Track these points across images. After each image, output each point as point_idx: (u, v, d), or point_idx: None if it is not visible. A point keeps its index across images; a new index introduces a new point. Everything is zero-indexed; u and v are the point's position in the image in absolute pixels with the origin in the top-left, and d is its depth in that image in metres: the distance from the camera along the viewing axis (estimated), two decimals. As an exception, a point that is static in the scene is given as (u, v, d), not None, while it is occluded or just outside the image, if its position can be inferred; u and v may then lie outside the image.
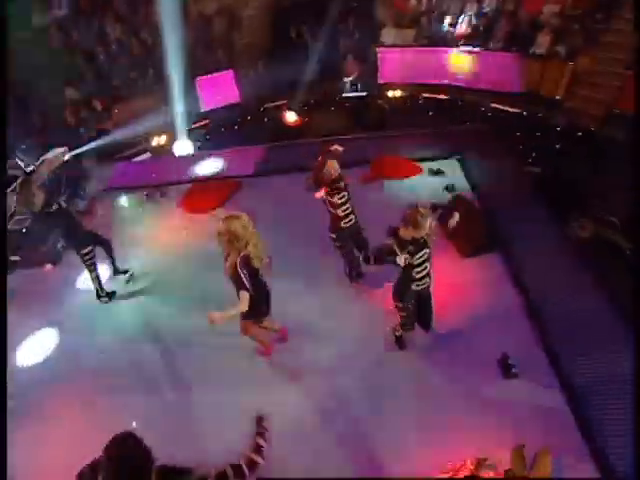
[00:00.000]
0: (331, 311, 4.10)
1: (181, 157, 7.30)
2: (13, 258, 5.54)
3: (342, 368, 3.61)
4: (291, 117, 7.48)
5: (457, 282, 4.10)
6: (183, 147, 7.48)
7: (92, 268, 4.51)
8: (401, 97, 7.76)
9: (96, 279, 4.58)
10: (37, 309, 4.83)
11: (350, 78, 8.32)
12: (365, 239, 4.08)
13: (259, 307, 3.20)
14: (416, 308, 3.34)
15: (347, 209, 3.78)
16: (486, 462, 2.60)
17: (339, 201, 3.69)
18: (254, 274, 3.01)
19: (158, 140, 8.05)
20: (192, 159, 7.01)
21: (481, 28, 7.53)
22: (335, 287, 4.29)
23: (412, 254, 2.92)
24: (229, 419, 3.26)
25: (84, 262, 4.45)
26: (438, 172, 5.41)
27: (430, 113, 7.42)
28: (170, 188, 6.45)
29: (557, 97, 6.81)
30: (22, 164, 6.04)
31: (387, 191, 5.35)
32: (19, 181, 5.65)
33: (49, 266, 5.56)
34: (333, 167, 3.57)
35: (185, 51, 7.72)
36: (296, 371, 3.67)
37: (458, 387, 3.34)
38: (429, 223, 2.83)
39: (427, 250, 2.99)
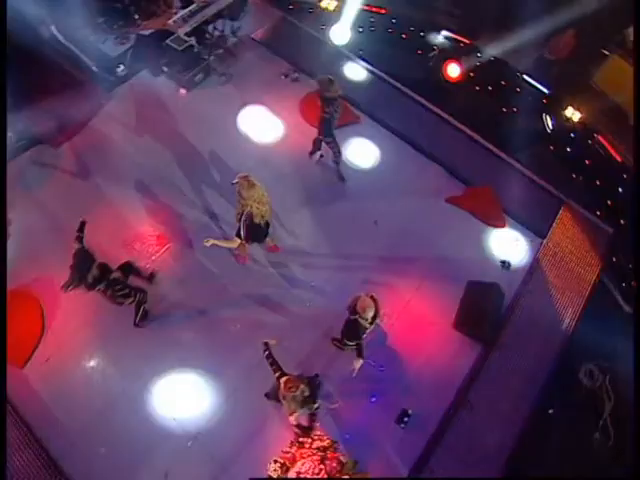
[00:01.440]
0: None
1: (330, 44, 6.99)
2: (163, 68, 6.56)
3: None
4: (454, 70, 6.62)
5: (430, 339, 4.81)
6: (340, 34, 7.06)
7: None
8: (578, 123, 6.42)
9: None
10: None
11: (551, 57, 6.74)
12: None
13: (254, 238, 4.44)
14: None
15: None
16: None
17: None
18: (254, 225, 4.22)
19: (328, 3, 7.55)
20: (332, 54, 6.77)
21: None
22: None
23: None
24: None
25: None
26: (506, 265, 5.24)
27: (586, 162, 6.33)
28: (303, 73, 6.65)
29: None
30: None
31: (459, 225, 5.48)
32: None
33: (183, 91, 6.59)
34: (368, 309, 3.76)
35: None
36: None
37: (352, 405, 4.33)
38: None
39: None
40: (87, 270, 3.89)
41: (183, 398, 4.37)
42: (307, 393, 3.51)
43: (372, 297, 3.86)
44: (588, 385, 4.94)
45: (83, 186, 5.63)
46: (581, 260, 5.36)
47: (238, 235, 4.29)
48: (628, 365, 4.70)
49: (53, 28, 6.73)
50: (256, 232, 4.36)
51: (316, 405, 3.67)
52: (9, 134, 6.02)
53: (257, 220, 4.19)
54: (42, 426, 4.18)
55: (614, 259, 5.61)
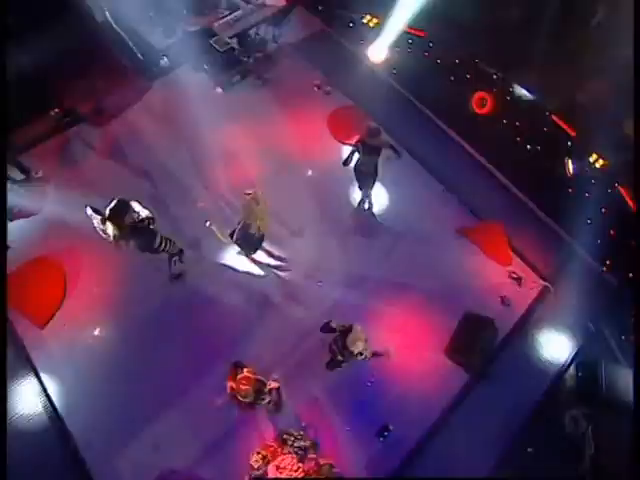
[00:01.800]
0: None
1: (366, 61, 7.15)
2: (204, 66, 6.87)
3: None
4: (482, 103, 6.70)
5: (421, 362, 4.98)
6: (377, 52, 7.22)
7: None
8: (600, 170, 6.41)
9: None
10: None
11: (583, 100, 6.73)
12: None
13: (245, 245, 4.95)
14: None
15: None
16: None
17: None
18: (248, 234, 4.71)
19: (369, 19, 7.70)
20: (366, 72, 6.93)
21: None
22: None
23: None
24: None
25: None
26: (505, 303, 5.36)
27: (603, 210, 6.32)
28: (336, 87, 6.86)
29: None
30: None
31: (466, 257, 5.60)
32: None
33: (219, 89, 6.89)
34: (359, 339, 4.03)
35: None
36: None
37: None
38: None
39: None
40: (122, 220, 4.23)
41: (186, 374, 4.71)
42: (250, 398, 4.06)
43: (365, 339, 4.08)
44: (571, 431, 5.03)
45: (114, 168, 6.01)
46: (581, 308, 5.41)
47: (231, 235, 4.89)
48: (614, 415, 4.86)
49: (107, 13, 7.14)
50: (248, 241, 4.83)
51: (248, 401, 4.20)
52: (56, 110, 6.48)
53: (252, 231, 4.66)
54: (53, 381, 4.66)
55: (615, 312, 5.64)
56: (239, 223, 4.76)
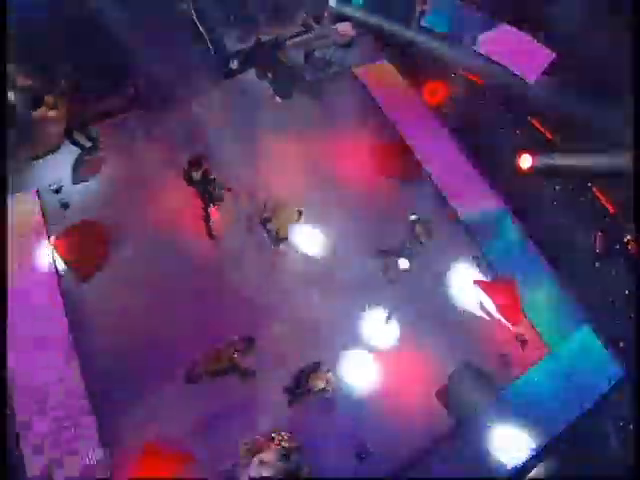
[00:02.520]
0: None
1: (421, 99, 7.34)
2: (268, 74, 7.31)
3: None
4: (526, 161, 6.75)
5: (412, 398, 5.15)
6: (434, 92, 7.43)
7: None
8: (629, 252, 6.30)
9: None
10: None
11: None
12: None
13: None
14: None
15: None
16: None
17: None
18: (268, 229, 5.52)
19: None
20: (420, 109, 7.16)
21: None
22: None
23: None
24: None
25: None
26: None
27: (627, 292, 6.22)
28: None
29: None
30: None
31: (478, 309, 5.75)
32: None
33: (278, 99, 7.29)
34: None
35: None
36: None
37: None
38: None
39: None
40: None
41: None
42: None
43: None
44: None
45: (166, 150, 6.48)
46: (581, 383, 5.43)
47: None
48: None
49: (190, 5, 7.70)
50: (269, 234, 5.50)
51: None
52: (131, 89, 7.08)
53: (270, 227, 5.38)
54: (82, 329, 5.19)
55: (617, 397, 5.58)
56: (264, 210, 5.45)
